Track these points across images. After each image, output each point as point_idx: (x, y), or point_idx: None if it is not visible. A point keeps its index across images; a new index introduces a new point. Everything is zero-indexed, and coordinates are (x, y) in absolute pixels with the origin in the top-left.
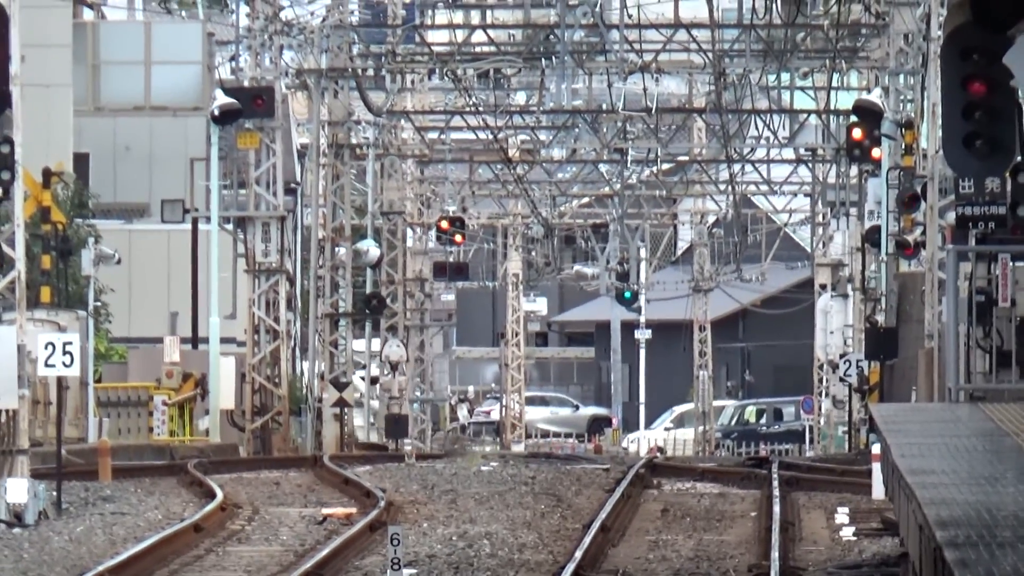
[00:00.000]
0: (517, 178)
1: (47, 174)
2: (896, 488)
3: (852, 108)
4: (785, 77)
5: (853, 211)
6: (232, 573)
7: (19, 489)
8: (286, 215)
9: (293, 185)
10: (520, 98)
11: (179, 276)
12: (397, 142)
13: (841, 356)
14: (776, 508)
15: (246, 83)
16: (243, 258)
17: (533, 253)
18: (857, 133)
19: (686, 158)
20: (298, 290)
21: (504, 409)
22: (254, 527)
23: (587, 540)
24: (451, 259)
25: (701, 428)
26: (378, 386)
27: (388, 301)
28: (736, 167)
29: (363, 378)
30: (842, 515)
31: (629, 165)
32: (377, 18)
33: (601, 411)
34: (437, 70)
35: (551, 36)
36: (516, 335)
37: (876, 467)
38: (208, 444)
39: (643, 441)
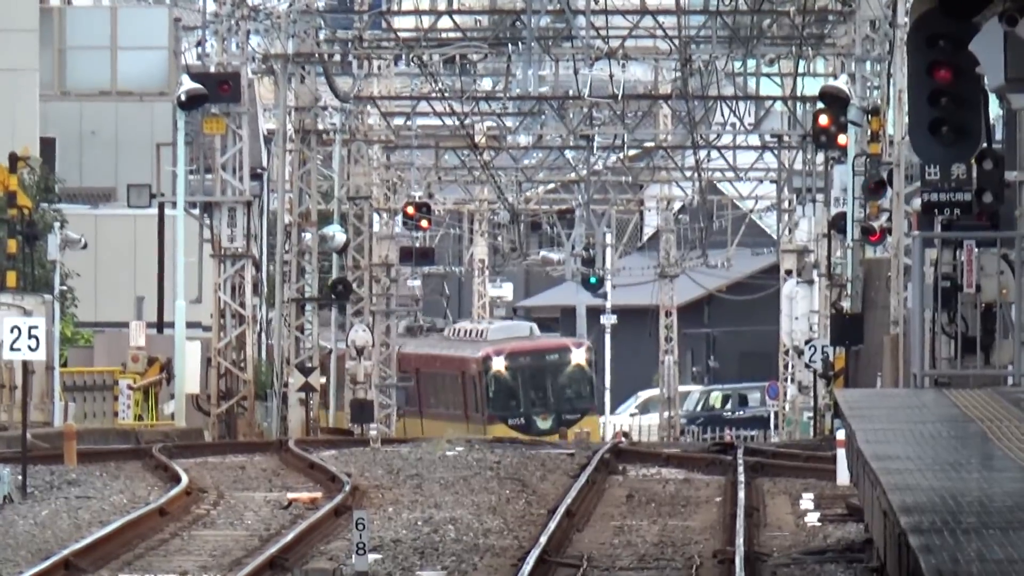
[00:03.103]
0: (483, 164)
1: (13, 159)
2: (861, 474)
3: (818, 95)
4: (751, 63)
5: (819, 197)
6: (197, 557)
7: None
8: (252, 200)
9: (259, 170)
10: (486, 84)
11: (145, 261)
12: (363, 128)
13: (806, 342)
14: (741, 494)
15: (212, 68)
16: (209, 243)
17: (499, 239)
18: (823, 120)
19: (652, 144)
20: (264, 275)
21: None
22: (219, 511)
23: (552, 525)
24: (417, 244)
25: (666, 414)
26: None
27: (354, 286)
28: (702, 153)
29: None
30: (807, 501)
31: (595, 151)
32: (344, 3)
33: None
34: (403, 56)
35: (517, 22)
36: (482, 320)
37: (841, 453)
38: (173, 428)
39: (608, 426)
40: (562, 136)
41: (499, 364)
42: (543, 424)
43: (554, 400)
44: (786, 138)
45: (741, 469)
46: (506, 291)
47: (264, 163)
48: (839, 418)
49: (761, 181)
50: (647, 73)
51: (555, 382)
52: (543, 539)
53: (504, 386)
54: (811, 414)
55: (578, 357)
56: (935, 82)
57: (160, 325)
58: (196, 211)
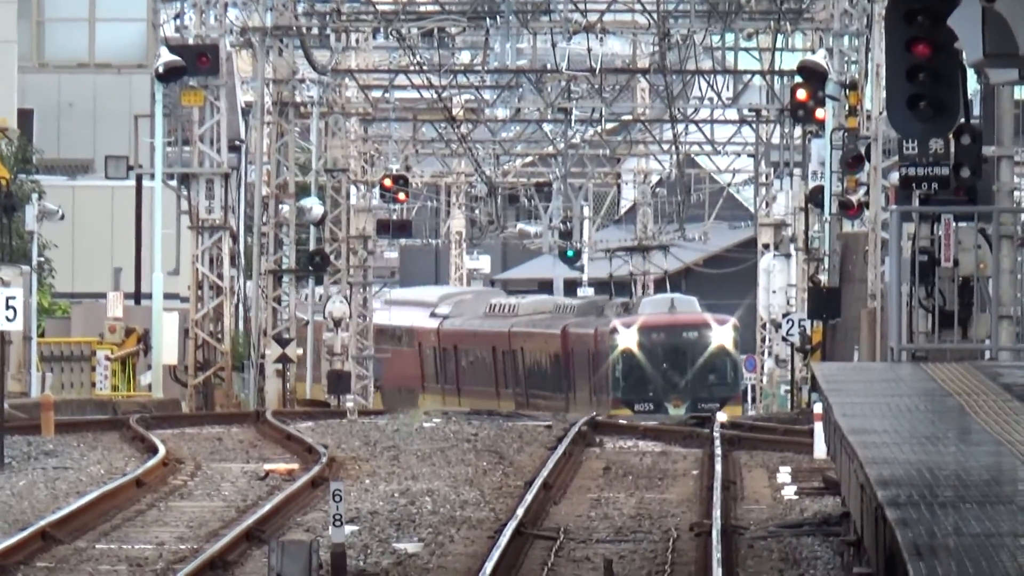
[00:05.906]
0: (461, 137)
1: None
2: (838, 447)
3: (796, 69)
4: (729, 38)
5: (797, 171)
6: (174, 528)
7: None
8: (230, 172)
9: (237, 143)
10: (464, 57)
11: (123, 232)
12: (341, 100)
13: (784, 315)
14: (718, 467)
15: (191, 41)
16: (187, 214)
17: (476, 211)
18: (801, 94)
19: (630, 118)
20: (242, 247)
21: None
22: (196, 482)
23: (529, 498)
24: (394, 217)
25: None
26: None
27: (332, 258)
28: (680, 127)
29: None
30: (784, 474)
31: (573, 124)
32: None
33: None
34: (382, 29)
35: None
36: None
37: (818, 426)
38: (150, 399)
39: None
40: (540, 109)
41: (627, 340)
42: (675, 411)
43: (690, 384)
44: (764, 112)
45: (718, 442)
46: (483, 264)
47: (242, 135)
48: (816, 391)
49: (739, 155)
50: (625, 47)
51: (692, 363)
52: (520, 511)
53: (632, 365)
54: (788, 387)
55: (721, 336)
56: (913, 57)
57: (138, 296)
58: (174, 183)
